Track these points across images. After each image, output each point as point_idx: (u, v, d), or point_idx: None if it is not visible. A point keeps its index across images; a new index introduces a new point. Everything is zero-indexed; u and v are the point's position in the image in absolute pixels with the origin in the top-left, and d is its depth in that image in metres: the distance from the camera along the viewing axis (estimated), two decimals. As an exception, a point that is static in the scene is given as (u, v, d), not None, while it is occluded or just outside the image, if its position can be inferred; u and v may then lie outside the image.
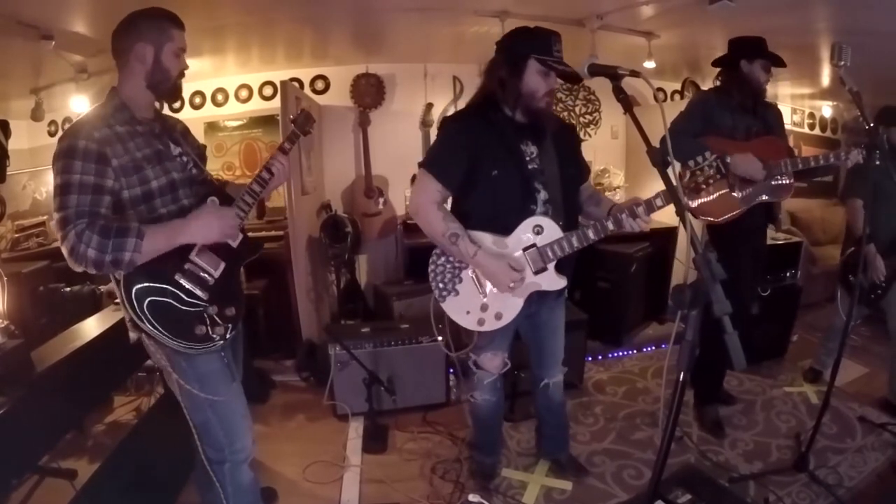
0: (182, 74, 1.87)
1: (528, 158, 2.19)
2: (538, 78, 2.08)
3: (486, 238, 2.15)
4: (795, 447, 2.91)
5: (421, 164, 2.24)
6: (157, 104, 1.91)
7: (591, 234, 2.10)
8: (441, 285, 2.26)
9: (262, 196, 1.99)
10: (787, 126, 6.13)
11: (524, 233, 2.14)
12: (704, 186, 1.94)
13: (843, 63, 2.25)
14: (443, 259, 2.25)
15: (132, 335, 1.80)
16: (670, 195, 1.38)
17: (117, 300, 1.87)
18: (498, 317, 2.22)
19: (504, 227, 2.15)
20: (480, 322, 2.23)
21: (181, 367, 1.82)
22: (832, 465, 2.77)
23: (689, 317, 1.19)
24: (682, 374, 1.23)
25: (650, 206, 2.03)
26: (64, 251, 1.59)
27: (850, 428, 3.12)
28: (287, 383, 3.90)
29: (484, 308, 2.22)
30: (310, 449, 3.04)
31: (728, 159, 2.71)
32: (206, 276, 1.80)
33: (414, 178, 4.84)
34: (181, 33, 1.83)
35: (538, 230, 2.13)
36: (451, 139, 2.19)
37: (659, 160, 1.37)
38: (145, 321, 1.69)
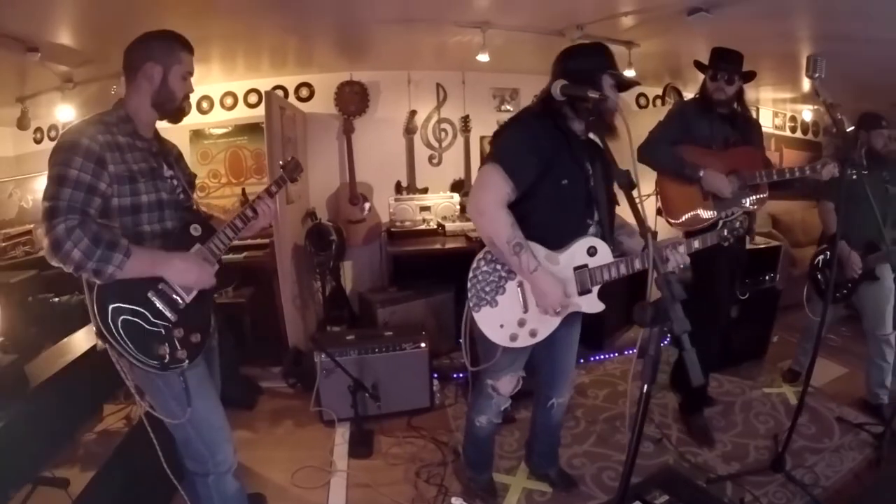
0: (187, 97, 1.94)
1: (589, 174, 2.12)
2: (613, 92, 2.02)
3: (539, 250, 2.03)
4: (773, 448, 2.95)
5: (489, 160, 2.04)
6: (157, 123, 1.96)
7: (637, 265, 2.04)
8: (481, 293, 2.09)
9: (244, 233, 2.05)
10: (769, 130, 6.24)
11: (579, 252, 2.08)
12: (729, 239, 2.10)
13: (818, 75, 2.27)
14: (489, 266, 2.09)
15: (99, 343, 1.82)
16: (637, 220, 1.43)
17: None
18: (532, 334, 2.12)
19: (558, 241, 2.07)
20: (513, 338, 2.11)
21: (146, 387, 1.88)
22: (809, 464, 2.82)
23: (652, 333, 1.24)
24: (645, 386, 1.28)
25: (689, 247, 2.08)
26: (45, 241, 1.58)
27: (828, 428, 3.17)
28: (274, 389, 3.92)
29: (521, 323, 2.10)
30: (297, 454, 3.08)
31: (701, 173, 2.78)
32: (178, 298, 1.83)
33: (398, 185, 4.89)
34: (190, 57, 1.90)
35: (592, 251, 2.08)
36: (527, 138, 2.03)
37: (625, 183, 1.42)
38: (112, 333, 1.71)
